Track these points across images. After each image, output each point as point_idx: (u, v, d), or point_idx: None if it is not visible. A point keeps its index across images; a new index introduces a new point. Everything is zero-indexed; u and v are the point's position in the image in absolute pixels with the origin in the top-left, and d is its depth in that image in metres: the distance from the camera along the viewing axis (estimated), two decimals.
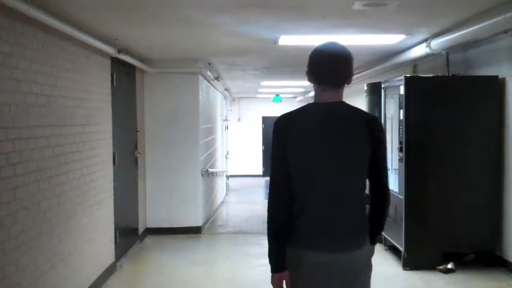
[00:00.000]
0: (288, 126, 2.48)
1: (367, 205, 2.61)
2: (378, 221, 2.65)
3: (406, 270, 6.06)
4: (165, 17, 4.95)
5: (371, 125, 2.51)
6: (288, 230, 2.48)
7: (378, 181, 2.58)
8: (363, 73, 9.13)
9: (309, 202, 2.46)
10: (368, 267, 2.57)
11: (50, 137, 4.46)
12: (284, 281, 2.57)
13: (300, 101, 17.66)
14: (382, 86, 7.07)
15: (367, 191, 2.62)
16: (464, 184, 6.04)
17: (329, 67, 2.52)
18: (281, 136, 2.48)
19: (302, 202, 2.47)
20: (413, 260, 6.05)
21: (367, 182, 2.60)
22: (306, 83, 13.96)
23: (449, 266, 5.88)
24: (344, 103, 2.59)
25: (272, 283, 2.62)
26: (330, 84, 2.54)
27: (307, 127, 2.48)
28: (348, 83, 2.60)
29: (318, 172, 2.45)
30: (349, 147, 2.47)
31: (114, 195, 6.35)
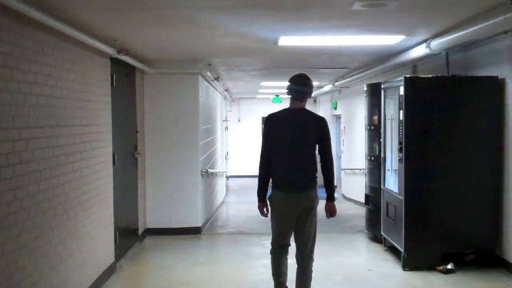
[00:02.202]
0: (270, 120, 4.61)
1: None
2: (327, 181, 4.56)
3: (406, 270, 6.06)
4: (165, 18, 4.95)
5: (317, 121, 4.56)
6: (268, 179, 4.61)
7: (324, 153, 4.53)
8: (362, 74, 9.14)
9: (278, 164, 4.50)
10: (314, 201, 4.52)
11: (50, 138, 4.46)
12: (264, 208, 4.66)
13: None
14: (382, 86, 7.07)
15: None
16: (464, 184, 6.04)
17: (296, 90, 4.56)
18: (266, 126, 4.60)
19: (276, 165, 4.51)
20: (412, 260, 6.05)
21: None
22: None
23: (449, 266, 5.88)
24: (304, 109, 4.59)
25: (258, 207, 4.68)
26: (296, 99, 4.57)
27: (280, 122, 4.56)
28: (309, 97, 4.63)
29: (283, 147, 4.49)
30: (303, 133, 4.49)
31: (114, 195, 6.35)
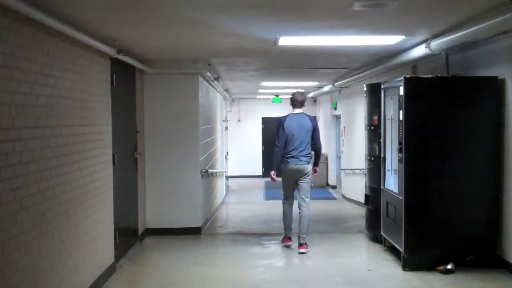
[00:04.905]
0: (284, 120, 7.32)
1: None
2: (316, 158, 7.53)
3: (406, 270, 6.06)
4: (165, 17, 4.95)
5: (311, 119, 7.34)
6: (281, 158, 7.28)
7: (315, 143, 7.30)
8: (362, 74, 9.14)
9: (289, 148, 7.20)
10: (308, 169, 7.21)
11: (50, 138, 4.46)
12: (275, 175, 7.46)
13: None
14: (382, 86, 7.07)
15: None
16: (464, 184, 6.03)
17: (296, 101, 7.41)
18: (281, 124, 7.30)
19: (288, 148, 7.20)
20: (412, 260, 6.05)
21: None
22: (306, 84, 14.13)
23: (449, 266, 5.87)
24: (303, 112, 7.37)
25: (271, 174, 7.48)
26: (297, 107, 7.39)
27: (289, 121, 7.28)
28: (304, 105, 7.46)
29: (292, 138, 7.18)
30: (303, 129, 7.22)
31: (114, 195, 6.35)
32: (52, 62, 4.55)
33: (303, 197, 7.27)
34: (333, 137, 15.76)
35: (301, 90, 7.71)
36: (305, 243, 7.14)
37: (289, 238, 7.40)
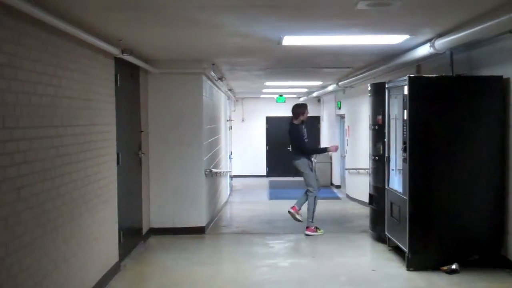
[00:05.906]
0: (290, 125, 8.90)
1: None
2: (307, 155, 8.61)
3: (410, 270, 6.05)
4: (169, 17, 4.95)
5: (289, 126, 8.72)
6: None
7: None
8: (367, 73, 9.12)
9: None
10: (302, 166, 8.47)
11: (54, 138, 4.47)
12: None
13: (303, 101, 17.63)
14: (386, 86, 7.06)
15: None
16: (469, 184, 6.02)
17: (293, 112, 8.65)
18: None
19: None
20: (417, 260, 6.04)
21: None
22: (310, 83, 14.09)
23: (453, 266, 5.86)
24: (292, 121, 8.66)
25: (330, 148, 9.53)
26: (294, 117, 8.62)
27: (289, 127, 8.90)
28: (298, 117, 8.61)
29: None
30: (288, 135, 8.82)
31: (118, 195, 6.36)
32: (56, 62, 4.56)
33: (306, 188, 8.56)
34: (337, 137, 15.74)
35: (298, 103, 9.21)
36: (308, 226, 8.24)
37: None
